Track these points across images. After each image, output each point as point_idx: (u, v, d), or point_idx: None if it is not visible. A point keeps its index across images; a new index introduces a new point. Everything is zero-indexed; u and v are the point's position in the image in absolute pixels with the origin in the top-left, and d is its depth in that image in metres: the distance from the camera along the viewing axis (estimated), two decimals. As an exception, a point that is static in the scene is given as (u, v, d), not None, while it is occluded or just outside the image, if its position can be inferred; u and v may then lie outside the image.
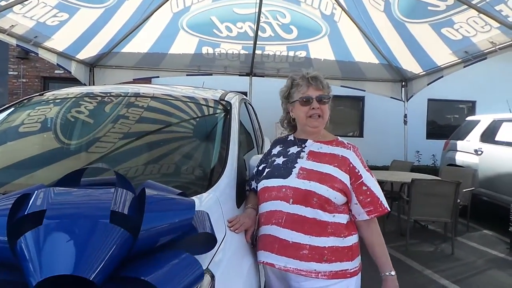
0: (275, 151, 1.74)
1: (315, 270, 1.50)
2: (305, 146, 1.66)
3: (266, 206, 1.59)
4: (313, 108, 1.61)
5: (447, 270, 3.90)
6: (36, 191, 0.98)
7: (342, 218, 1.56)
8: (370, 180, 1.60)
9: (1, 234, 0.87)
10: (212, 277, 1.12)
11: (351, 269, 1.55)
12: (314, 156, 1.62)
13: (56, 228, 0.85)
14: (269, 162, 1.71)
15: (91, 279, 0.78)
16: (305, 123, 1.66)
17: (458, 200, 4.56)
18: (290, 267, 1.51)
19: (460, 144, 6.48)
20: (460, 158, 6.34)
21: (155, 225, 1.02)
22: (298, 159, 1.62)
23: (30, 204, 0.93)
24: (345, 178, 1.56)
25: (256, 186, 1.69)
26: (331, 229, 1.52)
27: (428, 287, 3.49)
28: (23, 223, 0.89)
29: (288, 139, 1.76)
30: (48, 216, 0.88)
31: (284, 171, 1.60)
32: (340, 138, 1.71)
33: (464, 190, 4.99)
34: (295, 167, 1.59)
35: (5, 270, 0.86)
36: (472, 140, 6.20)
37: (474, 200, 5.50)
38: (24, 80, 9.69)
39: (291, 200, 1.53)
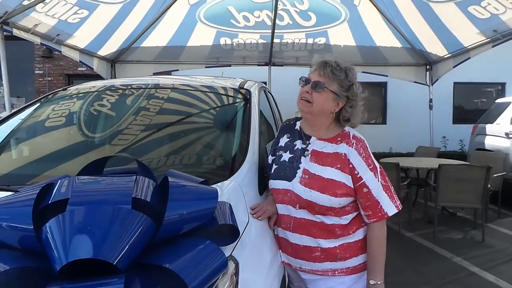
0: (282, 142, 1.65)
1: (330, 269, 1.50)
2: (309, 143, 1.56)
3: (277, 208, 1.56)
4: (303, 89, 1.52)
5: (478, 257, 3.78)
6: (59, 180, 0.99)
7: (350, 217, 1.50)
8: (372, 181, 1.47)
9: (27, 223, 0.88)
10: (236, 264, 1.11)
11: None
12: (317, 157, 1.51)
13: (78, 214, 0.86)
14: (277, 156, 1.63)
15: (114, 263, 0.78)
16: (297, 104, 1.57)
17: (489, 186, 4.40)
18: (306, 268, 1.52)
19: (489, 127, 6.24)
20: (490, 142, 6.11)
21: (179, 213, 1.02)
22: (302, 158, 1.54)
23: (54, 192, 0.95)
24: (348, 180, 1.46)
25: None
26: (340, 230, 1.48)
27: (457, 274, 3.39)
28: (48, 211, 0.90)
29: (295, 127, 1.66)
30: (71, 203, 0.89)
31: (289, 172, 1.53)
32: (347, 129, 1.56)
33: (495, 175, 4.81)
34: (299, 167, 1.52)
35: (32, 257, 0.88)
36: (503, 123, 5.96)
37: (505, 185, 5.28)
38: (49, 79, 9.99)
39: (297, 206, 1.49)
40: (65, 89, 2.50)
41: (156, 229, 0.95)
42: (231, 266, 1.08)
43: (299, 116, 1.72)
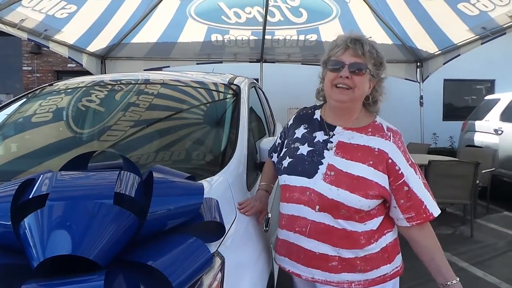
0: (298, 133, 1.45)
1: (347, 280, 1.32)
2: (333, 134, 1.36)
3: (288, 209, 1.39)
4: (341, 76, 1.28)
5: (466, 252, 3.82)
6: (41, 176, 0.97)
7: (376, 222, 1.33)
8: (413, 178, 1.29)
9: (5, 219, 0.86)
10: (223, 260, 1.10)
11: (390, 272, 1.35)
12: (344, 150, 1.32)
13: (58, 210, 0.84)
14: (291, 148, 1.43)
15: (92, 258, 0.77)
16: (329, 94, 1.34)
17: (478, 181, 4.44)
18: (318, 279, 1.34)
19: (478, 124, 6.30)
20: (479, 138, 6.17)
21: (163, 209, 1.01)
22: (325, 151, 1.34)
23: (34, 188, 0.93)
24: (382, 179, 1.28)
25: (276, 161, 1.55)
26: (364, 239, 1.30)
27: (447, 270, 3.42)
28: (27, 207, 0.88)
29: (314, 117, 1.46)
30: (51, 198, 0.87)
31: (309, 167, 1.33)
32: (378, 120, 1.38)
33: (484, 171, 4.86)
34: (321, 163, 1.32)
35: (10, 254, 0.86)
36: (492, 119, 6.02)
37: (494, 181, 5.35)
38: (38, 75, 9.84)
39: (317, 207, 1.30)
40: (52, 84, 2.46)
41: (139, 225, 0.93)
42: (217, 262, 1.07)
43: (293, 113, 1.56)
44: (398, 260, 1.40)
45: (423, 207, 1.31)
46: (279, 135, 1.62)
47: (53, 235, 0.79)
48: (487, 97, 6.84)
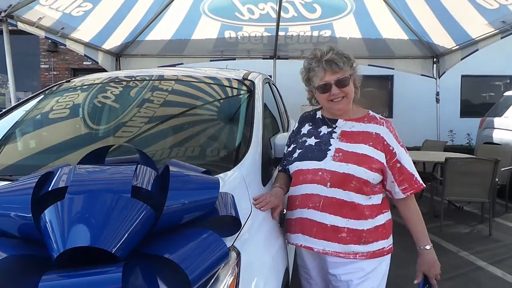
0: (304, 130, 1.67)
1: (353, 251, 1.51)
2: (336, 126, 1.59)
3: (302, 189, 1.56)
4: (333, 94, 1.52)
5: (485, 251, 3.74)
6: (60, 169, 0.98)
7: (377, 199, 1.55)
8: (404, 156, 1.54)
9: (26, 211, 0.88)
10: (238, 254, 1.09)
11: (387, 247, 1.57)
12: (347, 136, 1.55)
13: (77, 202, 0.85)
14: (299, 142, 1.64)
15: (112, 251, 0.77)
16: (329, 108, 1.59)
17: (496, 179, 4.34)
18: (329, 250, 1.52)
19: (497, 121, 6.15)
20: (498, 135, 6.03)
21: (179, 202, 1.01)
22: (331, 140, 1.56)
23: (53, 181, 0.94)
24: (381, 157, 1.51)
25: (287, 168, 1.66)
26: (368, 211, 1.52)
27: (464, 269, 3.36)
28: (47, 199, 0.89)
29: (317, 117, 1.68)
30: (70, 191, 0.88)
31: (318, 153, 1.55)
32: (371, 112, 1.64)
33: (503, 169, 4.74)
34: (329, 149, 1.54)
35: (31, 245, 0.87)
36: (511, 116, 5.87)
37: (514, 179, 5.22)
38: (55, 73, 10.03)
39: (328, 184, 1.50)
40: (69, 81, 2.50)
41: (156, 218, 0.93)
42: (233, 256, 1.06)
43: (307, 109, 1.76)
44: (391, 239, 1.61)
45: (414, 179, 1.55)
46: (286, 143, 1.76)
47: (73, 227, 0.80)
48: (506, 93, 6.67)
